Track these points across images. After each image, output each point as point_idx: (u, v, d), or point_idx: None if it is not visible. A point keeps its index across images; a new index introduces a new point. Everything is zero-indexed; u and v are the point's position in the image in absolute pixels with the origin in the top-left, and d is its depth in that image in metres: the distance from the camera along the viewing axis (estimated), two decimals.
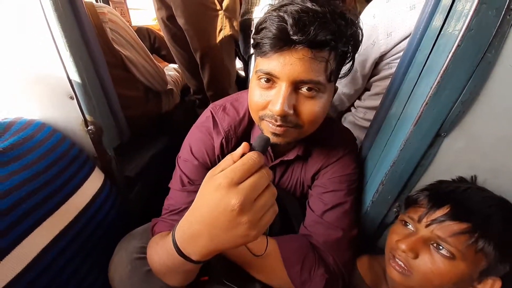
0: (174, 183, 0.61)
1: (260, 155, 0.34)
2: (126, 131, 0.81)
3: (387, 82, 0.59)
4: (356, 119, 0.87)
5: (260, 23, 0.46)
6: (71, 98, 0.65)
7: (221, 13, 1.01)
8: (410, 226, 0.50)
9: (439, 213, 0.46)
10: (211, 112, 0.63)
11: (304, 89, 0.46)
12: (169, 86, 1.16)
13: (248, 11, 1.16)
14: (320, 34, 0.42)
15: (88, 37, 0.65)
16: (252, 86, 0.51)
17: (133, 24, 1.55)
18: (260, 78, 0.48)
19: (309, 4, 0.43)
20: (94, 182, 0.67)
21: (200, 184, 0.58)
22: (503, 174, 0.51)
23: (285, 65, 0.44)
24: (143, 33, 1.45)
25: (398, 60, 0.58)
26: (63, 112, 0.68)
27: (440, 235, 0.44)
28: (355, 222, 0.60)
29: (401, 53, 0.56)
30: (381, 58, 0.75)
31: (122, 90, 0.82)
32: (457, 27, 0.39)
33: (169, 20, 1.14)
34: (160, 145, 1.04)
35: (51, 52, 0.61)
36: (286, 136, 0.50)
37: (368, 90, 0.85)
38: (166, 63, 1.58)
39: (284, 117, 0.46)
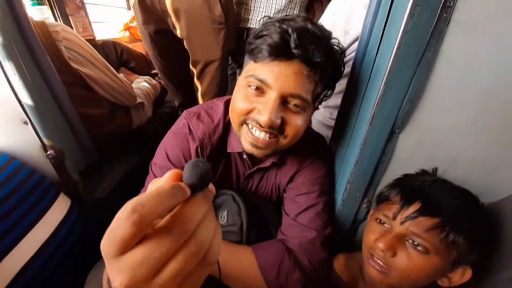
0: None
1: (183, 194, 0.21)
2: (92, 151, 0.78)
3: (345, 81, 0.61)
4: (324, 118, 0.89)
5: (261, 30, 0.47)
6: (25, 123, 0.62)
7: (225, 26, 1.01)
8: (385, 224, 0.51)
9: (411, 209, 0.47)
10: (185, 119, 0.62)
11: (291, 104, 0.48)
12: (139, 100, 1.13)
13: (242, 19, 1.15)
14: (316, 55, 0.45)
15: (39, 58, 0.62)
16: (239, 90, 0.51)
17: (98, 38, 1.50)
18: (250, 85, 0.49)
19: (309, 26, 0.45)
20: (59, 209, 0.64)
21: None
22: (458, 164, 0.53)
23: (280, 75, 0.45)
24: (109, 46, 1.41)
25: (352, 61, 0.60)
26: (19, 138, 0.64)
27: (415, 231, 0.45)
28: (328, 222, 0.61)
29: (354, 54, 0.58)
30: None
31: (84, 109, 0.79)
32: (395, 29, 0.41)
33: (157, 34, 1.11)
34: (133, 162, 1.01)
35: None
36: (267, 148, 0.52)
37: None
38: (136, 75, 1.54)
39: (270, 126, 0.48)
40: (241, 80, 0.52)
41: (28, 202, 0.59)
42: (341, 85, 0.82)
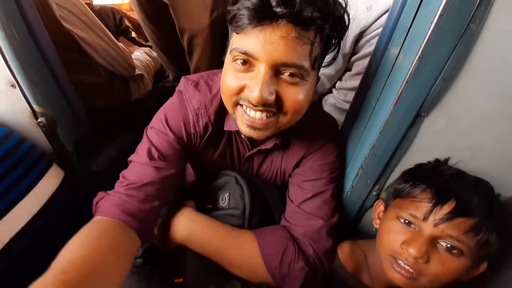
0: (138, 156, 0.52)
1: None
2: (87, 122, 0.73)
3: (366, 61, 0.56)
4: (338, 101, 0.84)
5: None
6: (13, 86, 0.57)
7: None
8: (411, 224, 0.46)
9: (446, 209, 0.42)
10: (183, 86, 0.56)
11: (286, 74, 0.41)
12: (138, 71, 1.06)
13: None
14: (306, 10, 0.37)
15: (27, 14, 0.56)
16: (226, 68, 0.45)
17: (95, 2, 1.40)
18: (236, 59, 0.42)
19: None
20: (51, 181, 0.61)
21: (172, 161, 0.53)
22: (480, 155, 0.50)
23: (265, 43, 0.38)
24: (107, 13, 1.31)
25: (377, 37, 0.54)
26: (7, 103, 0.59)
27: (452, 234, 0.41)
28: (336, 209, 0.58)
29: (380, 29, 0.52)
30: (361, 34, 0.70)
31: (79, 76, 0.73)
32: None
33: None
34: (131, 136, 0.96)
35: None
36: (266, 129, 0.46)
37: (349, 70, 0.81)
38: (136, 46, 1.45)
39: (263, 104, 0.42)
40: (227, 56, 0.45)
41: (17, 171, 0.55)
42: (358, 66, 0.77)
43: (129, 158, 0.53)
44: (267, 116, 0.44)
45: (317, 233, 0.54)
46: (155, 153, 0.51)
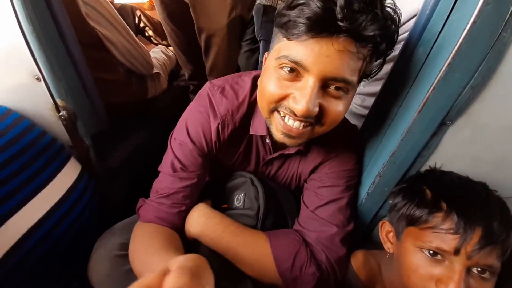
0: (165, 167, 0.56)
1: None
2: (105, 117, 0.74)
3: (389, 66, 0.55)
4: (354, 106, 0.82)
5: None
6: (38, 79, 0.58)
7: None
8: (438, 255, 0.42)
9: (475, 238, 0.39)
10: (207, 92, 0.57)
11: (332, 88, 0.41)
12: (155, 70, 1.08)
13: None
14: (370, 28, 0.36)
15: (54, 9, 0.57)
16: (269, 74, 0.44)
17: (116, 1, 1.43)
18: (283, 67, 0.41)
19: None
20: (69, 173, 0.62)
21: (194, 171, 0.55)
22: (506, 166, 0.48)
23: (320, 55, 0.37)
24: (127, 11, 1.34)
25: (402, 43, 0.53)
26: (30, 96, 0.61)
27: (487, 262, 0.40)
28: (351, 218, 0.57)
29: (406, 34, 0.51)
30: None
31: (100, 72, 0.75)
32: (474, 0, 0.34)
33: None
34: (146, 134, 0.97)
35: (11, 26, 0.53)
36: (301, 138, 0.46)
37: None
38: (152, 45, 1.48)
39: (307, 116, 0.41)
40: (271, 61, 0.44)
41: (36, 164, 0.56)
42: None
43: (159, 168, 0.58)
44: (304, 126, 0.44)
45: (330, 239, 0.53)
46: (177, 165, 0.54)
